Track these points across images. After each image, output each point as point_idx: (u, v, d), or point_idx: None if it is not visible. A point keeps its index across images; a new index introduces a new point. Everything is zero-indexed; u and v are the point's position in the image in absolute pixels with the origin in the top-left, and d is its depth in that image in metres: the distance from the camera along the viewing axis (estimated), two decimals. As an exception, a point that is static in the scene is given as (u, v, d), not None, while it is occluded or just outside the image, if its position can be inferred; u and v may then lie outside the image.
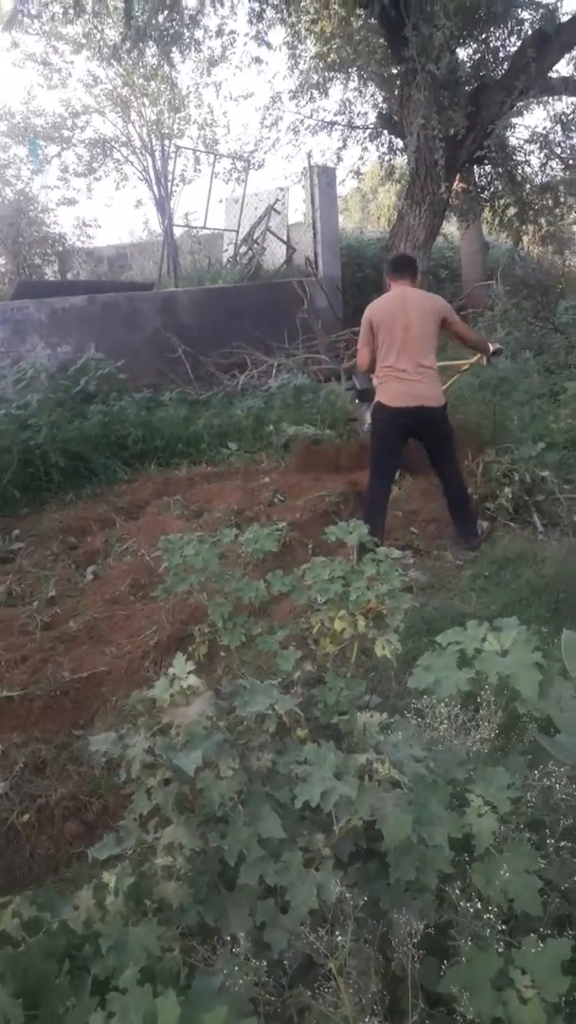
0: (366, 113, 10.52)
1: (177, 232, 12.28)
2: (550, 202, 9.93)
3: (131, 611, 3.96)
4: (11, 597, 4.18)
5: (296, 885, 1.46)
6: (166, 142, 13.30)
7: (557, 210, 10.07)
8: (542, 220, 10.15)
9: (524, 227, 10.21)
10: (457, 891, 1.54)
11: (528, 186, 9.71)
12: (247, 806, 1.61)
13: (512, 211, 9.92)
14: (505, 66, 8.23)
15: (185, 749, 1.60)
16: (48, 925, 1.50)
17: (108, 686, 3.23)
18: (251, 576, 2.89)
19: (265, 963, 1.39)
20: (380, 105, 10.16)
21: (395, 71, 8.64)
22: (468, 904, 1.51)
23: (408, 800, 1.50)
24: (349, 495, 5.50)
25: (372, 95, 10.40)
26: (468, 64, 8.61)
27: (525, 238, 11.32)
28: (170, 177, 12.99)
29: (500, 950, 1.47)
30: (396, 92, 8.32)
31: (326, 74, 10.36)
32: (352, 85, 10.42)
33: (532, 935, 1.48)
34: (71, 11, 8.77)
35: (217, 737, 1.67)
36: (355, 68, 10.11)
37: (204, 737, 1.63)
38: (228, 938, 1.50)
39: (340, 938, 1.34)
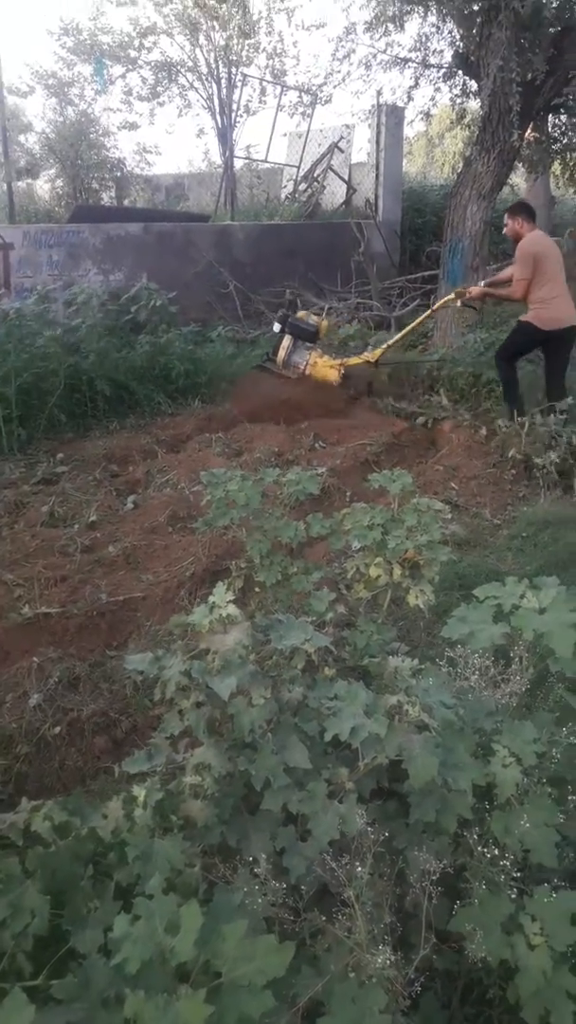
0: (442, 51, 10.04)
1: (237, 164, 12.03)
2: (625, 156, 9.50)
3: (168, 541, 4.01)
4: (53, 518, 4.25)
5: (319, 815, 1.50)
6: (233, 70, 12.90)
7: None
8: (615, 175, 9.74)
9: (596, 182, 9.82)
10: (475, 837, 1.57)
11: (603, 138, 9.29)
12: (276, 735, 1.65)
13: (584, 164, 9.53)
14: (593, 8, 7.79)
15: (220, 675, 1.63)
16: (77, 830, 1.56)
17: (143, 611, 3.29)
18: (290, 518, 2.90)
19: (283, 886, 1.44)
20: (457, 43, 9.68)
21: (476, 7, 8.22)
22: (485, 850, 1.55)
23: (435, 744, 1.53)
24: (391, 445, 5.46)
25: (450, 32, 9.90)
26: (553, 4, 8.17)
27: (596, 194, 10.89)
28: (234, 107, 12.67)
29: (513, 896, 1.51)
30: (475, 30, 7.94)
31: (404, 6, 9.90)
32: (430, 20, 9.92)
33: (545, 885, 1.52)
34: None
35: (251, 666, 1.71)
36: (434, 1, 9.65)
37: (239, 665, 1.66)
38: (249, 859, 1.55)
39: (359, 869, 1.38)
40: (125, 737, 2.50)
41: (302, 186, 11.84)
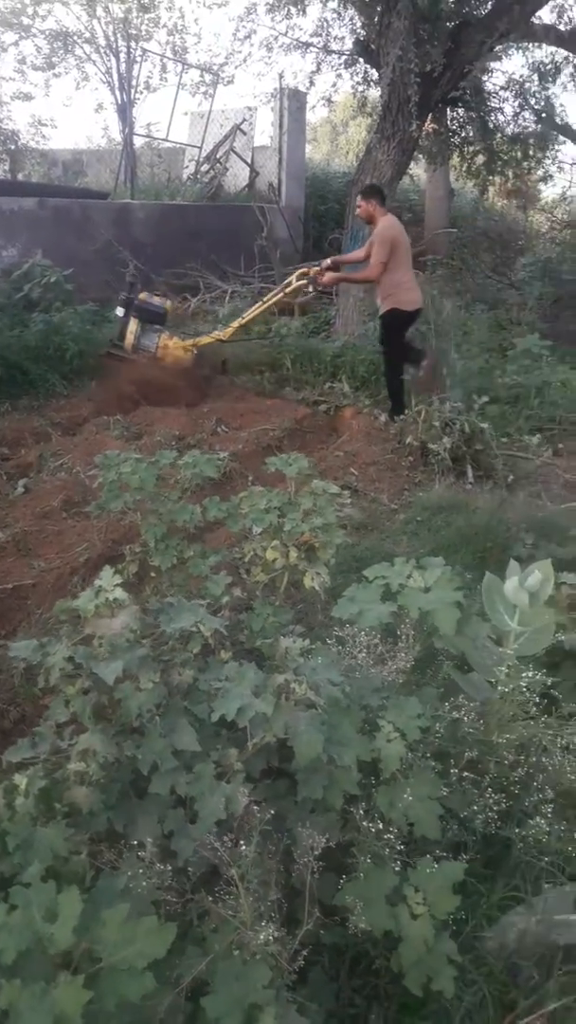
0: (343, 38, 10.10)
1: (138, 142, 11.74)
2: (519, 154, 9.82)
3: (62, 527, 3.91)
4: None
5: (206, 796, 1.50)
6: (132, 44, 12.57)
7: (525, 163, 9.97)
8: (509, 172, 10.05)
9: (491, 177, 10.10)
10: (361, 812, 1.60)
11: (499, 135, 9.57)
12: (164, 719, 1.63)
13: (481, 159, 9.78)
14: (488, 6, 7.99)
15: (106, 660, 1.60)
16: (-44, 824, 1.50)
17: (33, 599, 3.20)
18: (188, 502, 2.87)
19: (170, 868, 1.43)
20: (358, 31, 9.77)
21: (377, -6, 8.31)
22: (370, 824, 1.58)
23: (321, 721, 1.54)
24: (294, 431, 5.48)
25: (351, 19, 9.97)
26: (451, -1, 8.34)
27: (492, 189, 11.21)
28: (134, 83, 12.35)
29: (397, 869, 1.55)
30: (376, 19, 8.01)
31: (305, -11, 9.90)
32: (331, 5, 9.95)
33: (428, 856, 1.56)
34: None
35: (139, 650, 1.68)
36: (336, -14, 9.68)
37: (126, 649, 1.63)
38: (135, 844, 1.53)
39: (244, 848, 1.38)
40: (13, 727, 2.42)
41: (204, 167, 11.68)
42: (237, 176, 11.98)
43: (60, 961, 1.17)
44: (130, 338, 6.42)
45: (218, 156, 11.53)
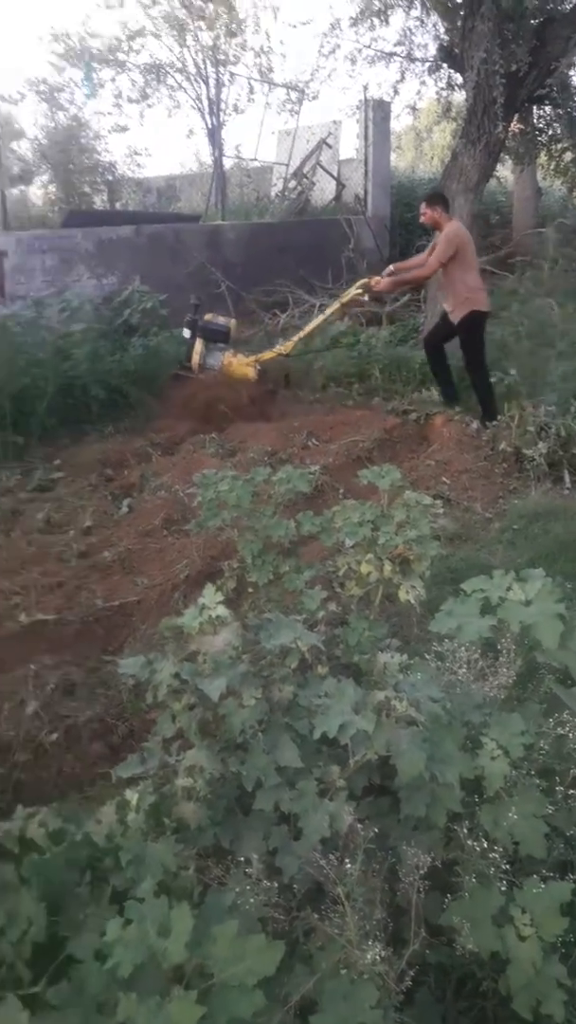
0: (426, 45, 10.05)
1: (227, 164, 12.04)
2: (610, 150, 9.49)
3: (163, 544, 4.02)
4: (49, 525, 4.27)
5: (310, 813, 1.51)
6: (221, 69, 12.90)
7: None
8: (601, 168, 9.74)
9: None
10: (465, 830, 1.58)
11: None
12: (267, 735, 1.66)
13: (569, 156, 9.52)
14: (574, 0, 7.79)
15: (211, 676, 1.65)
16: (72, 837, 1.57)
17: (138, 615, 3.31)
18: (282, 517, 2.91)
19: (276, 885, 1.45)
20: (441, 37, 9.69)
21: (459, 0, 8.23)
22: (475, 843, 1.56)
23: (423, 738, 1.54)
24: (384, 441, 5.47)
25: (434, 25, 9.92)
26: (535, -4, 8.17)
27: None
28: (223, 106, 12.68)
29: (503, 889, 1.52)
30: (459, 23, 7.94)
31: (388, 1, 9.91)
32: (414, 13, 9.94)
33: (534, 876, 1.53)
34: None
35: (241, 667, 1.72)
36: (418, -6, 9.66)
37: (229, 666, 1.68)
38: (241, 860, 1.57)
39: (349, 866, 1.39)
40: (122, 742, 2.51)
41: (292, 183, 11.83)
42: (324, 190, 12.07)
43: (172, 976, 1.21)
44: (196, 358, 6.61)
45: (305, 171, 11.66)
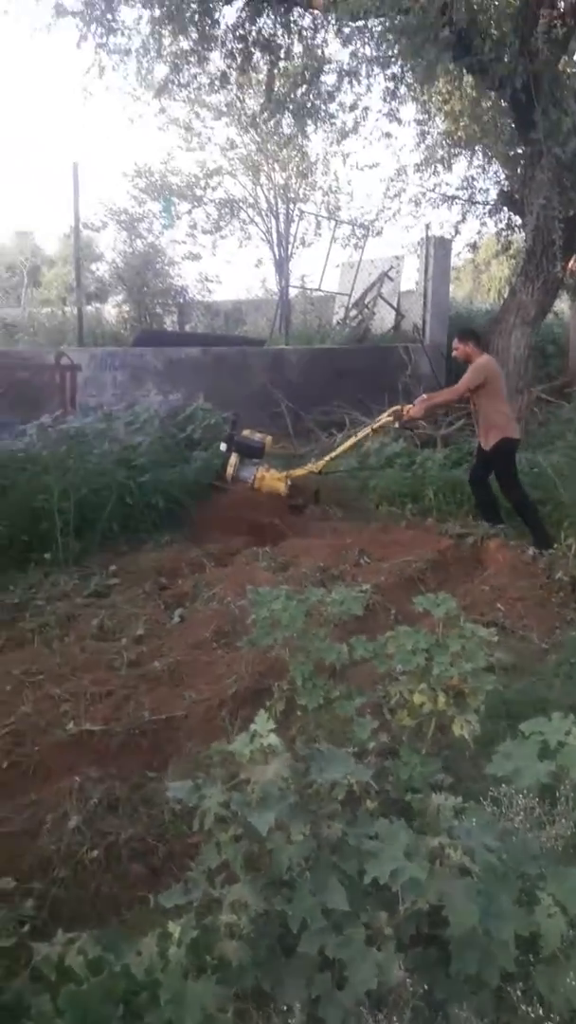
0: (487, 189, 10.72)
1: (292, 292, 12.71)
2: None
3: (212, 658, 4.03)
4: (103, 631, 4.32)
5: (357, 962, 1.46)
6: (291, 206, 13.84)
7: None
8: None
9: None
10: (519, 992, 1.50)
11: None
12: (314, 874, 1.63)
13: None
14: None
15: (259, 808, 1.63)
16: (111, 967, 1.54)
17: (184, 731, 3.28)
18: (332, 636, 2.91)
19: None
20: (502, 182, 10.34)
21: (520, 151, 8.80)
22: (529, 1008, 1.47)
23: (477, 890, 1.48)
24: (437, 562, 5.46)
25: (495, 172, 10.62)
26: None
27: None
28: (291, 239, 13.51)
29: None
30: (519, 171, 8.47)
31: (452, 150, 10.67)
32: (476, 162, 10.68)
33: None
34: (217, 82, 9.40)
35: (290, 800, 1.70)
36: (480, 146, 10.37)
37: (278, 798, 1.66)
38: (283, 1008, 1.50)
39: (397, 1024, 1.33)
40: (162, 865, 2.45)
41: (353, 312, 12.40)
42: (384, 319, 12.61)
43: None
44: (230, 470, 6.88)
45: (366, 302, 12.24)
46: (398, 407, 6.53)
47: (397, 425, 6.63)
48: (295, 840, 1.63)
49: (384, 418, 6.60)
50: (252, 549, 5.91)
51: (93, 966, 1.54)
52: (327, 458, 7.03)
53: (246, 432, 7.14)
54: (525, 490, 6.08)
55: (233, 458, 6.91)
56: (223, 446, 6.99)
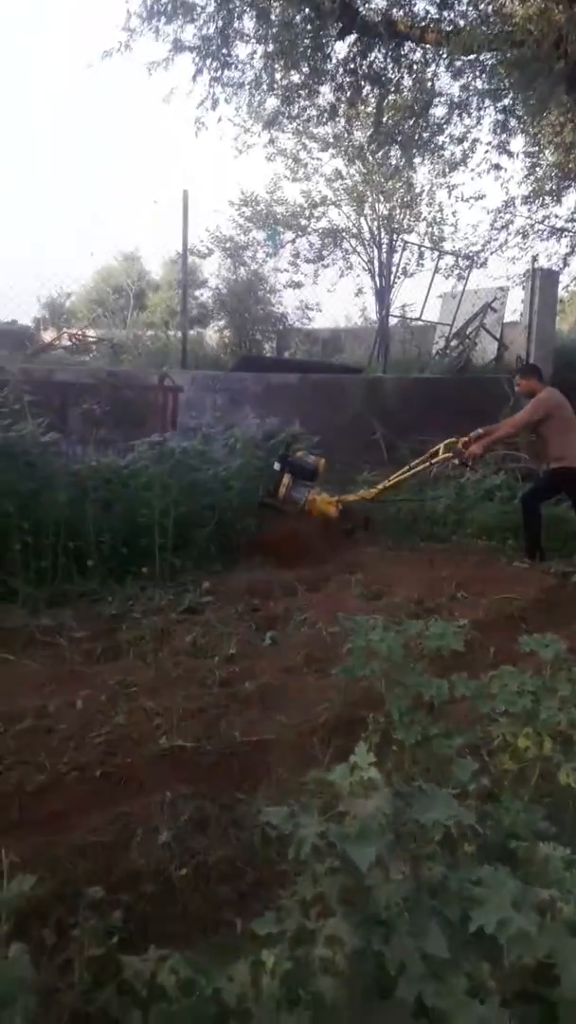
0: (598, 222, 10.49)
1: (391, 321, 12.72)
2: None
3: (303, 683, 4.01)
4: (195, 648, 4.37)
5: (458, 1013, 1.39)
6: (394, 236, 13.90)
7: None
8: None
9: None
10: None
11: None
12: (413, 916, 1.57)
13: None
14: None
15: (359, 842, 1.59)
16: (202, 990, 1.52)
17: (274, 755, 3.26)
18: (428, 671, 2.84)
19: None
20: (614, 214, 10.10)
21: None
22: None
23: (591, 952, 1.40)
24: (539, 601, 5.29)
25: (607, 204, 10.37)
26: None
27: None
28: (392, 269, 13.55)
29: None
30: None
31: (562, 182, 10.50)
32: (587, 194, 10.46)
33: None
34: (326, 115, 9.59)
35: (389, 837, 1.65)
36: (592, 177, 10.18)
37: (379, 834, 1.61)
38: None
39: None
40: (249, 889, 2.43)
41: (454, 342, 12.29)
42: (485, 350, 12.44)
43: None
44: (282, 491, 6.90)
45: (468, 332, 12.12)
46: (453, 440, 6.60)
47: (457, 462, 6.67)
48: (394, 878, 1.58)
49: (442, 453, 6.68)
50: (345, 575, 5.88)
51: (185, 988, 1.52)
52: (381, 487, 7.10)
53: (300, 453, 7.16)
54: (541, 515, 6.41)
55: (286, 478, 6.94)
56: (277, 465, 7.03)
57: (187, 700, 3.65)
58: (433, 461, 6.86)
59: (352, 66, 9.03)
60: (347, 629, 2.90)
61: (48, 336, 14.96)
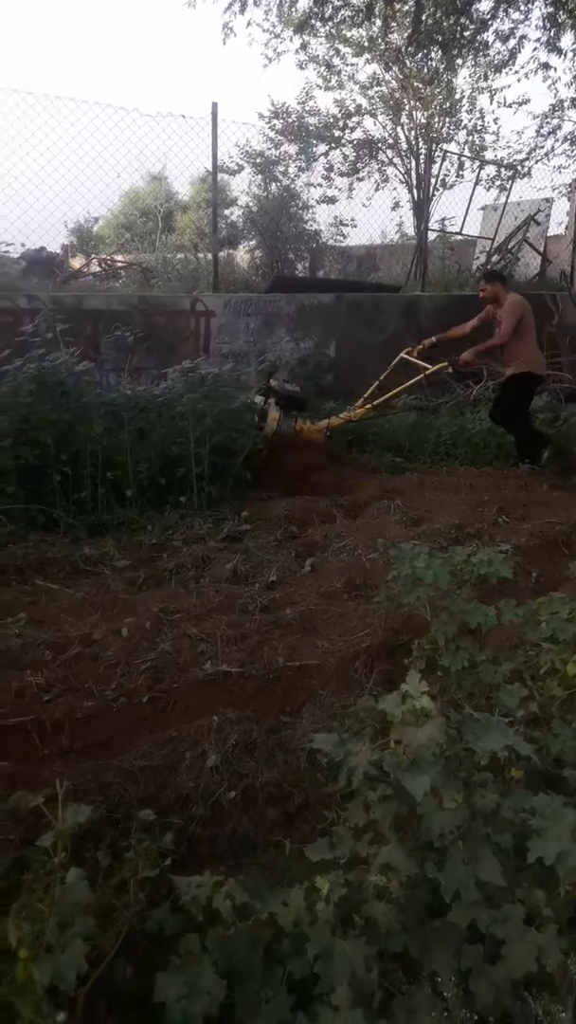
0: None
1: (430, 236, 12.21)
2: None
3: (344, 609, 4.00)
4: (236, 575, 4.38)
5: (514, 941, 1.39)
6: (433, 146, 13.23)
7: None
8: None
9: None
10: None
11: None
12: (467, 843, 1.56)
13: None
14: None
15: (413, 771, 1.57)
16: (258, 914, 1.54)
17: (317, 679, 3.27)
18: (471, 598, 2.80)
19: (472, 1016, 1.34)
20: None
21: None
22: None
23: None
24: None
25: None
26: None
27: None
28: (431, 181, 12.95)
29: None
30: None
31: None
32: None
33: None
34: (361, 15, 9.01)
35: (442, 765, 1.63)
36: None
37: (432, 763, 1.60)
38: (429, 975, 1.46)
39: (562, 1014, 1.26)
40: (297, 812, 2.46)
41: (495, 257, 11.80)
42: (528, 265, 11.94)
43: None
44: (272, 425, 6.55)
45: (510, 246, 11.61)
46: (409, 348, 6.84)
47: (451, 370, 6.67)
48: (447, 807, 1.57)
49: (439, 366, 6.65)
50: (383, 501, 5.81)
51: (241, 912, 1.55)
52: (365, 408, 7.00)
53: (273, 383, 6.88)
54: (532, 426, 6.63)
55: (275, 412, 6.58)
56: (259, 398, 6.60)
57: (230, 626, 3.67)
58: (428, 374, 6.72)
59: (390, -41, 8.45)
60: (391, 557, 2.85)
61: (76, 263, 14.66)
